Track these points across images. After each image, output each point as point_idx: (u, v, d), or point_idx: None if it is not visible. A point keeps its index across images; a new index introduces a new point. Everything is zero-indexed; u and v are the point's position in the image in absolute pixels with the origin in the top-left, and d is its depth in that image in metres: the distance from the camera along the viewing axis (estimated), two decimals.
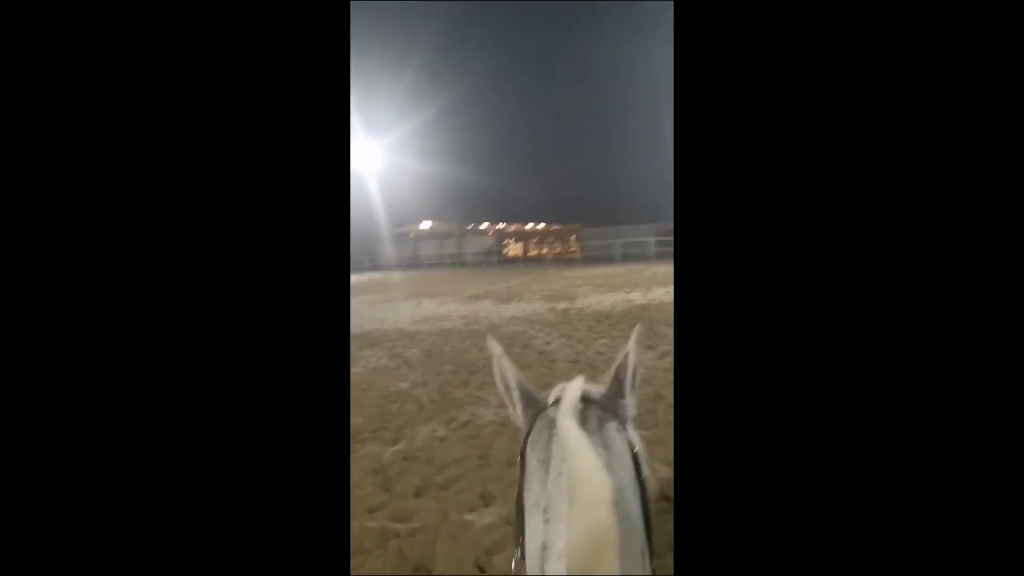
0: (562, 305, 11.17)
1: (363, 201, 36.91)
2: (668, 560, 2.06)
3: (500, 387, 0.80)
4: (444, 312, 11.43)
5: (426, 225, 38.90)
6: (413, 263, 34.27)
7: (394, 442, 3.92)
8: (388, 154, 38.49)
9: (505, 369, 0.80)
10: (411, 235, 38.37)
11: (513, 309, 11.20)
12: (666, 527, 2.29)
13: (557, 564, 0.54)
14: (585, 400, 0.67)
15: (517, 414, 0.78)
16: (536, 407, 0.75)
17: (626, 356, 0.81)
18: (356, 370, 6.35)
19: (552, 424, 0.64)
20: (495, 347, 0.82)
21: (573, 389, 0.63)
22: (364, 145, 37.74)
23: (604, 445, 0.63)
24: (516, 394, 0.78)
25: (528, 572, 0.58)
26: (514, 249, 42.82)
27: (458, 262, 33.66)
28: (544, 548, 0.57)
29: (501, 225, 42.39)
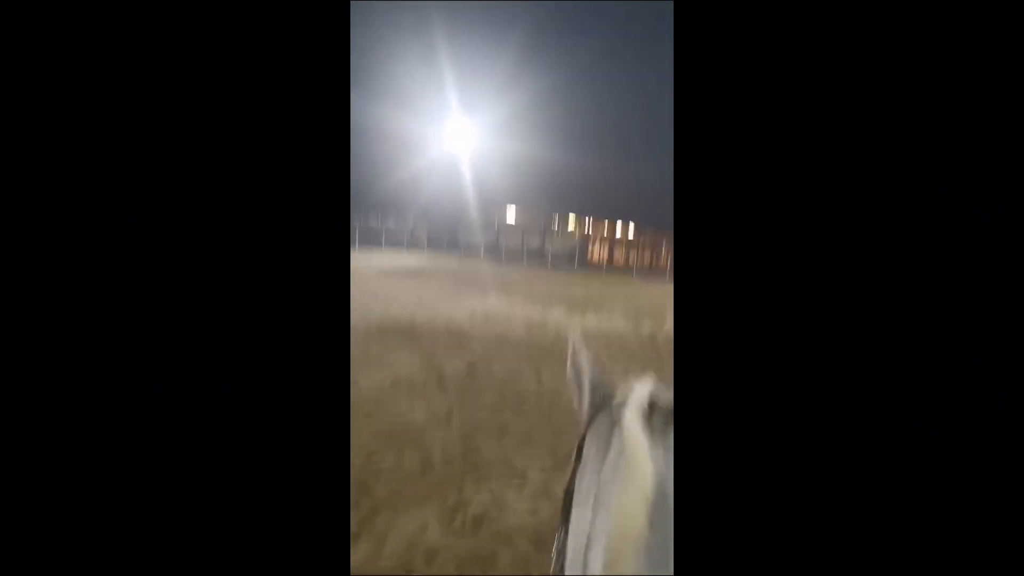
0: (647, 327, 9.32)
1: (452, 181, 36.34)
2: None
3: (571, 375, 0.76)
4: (508, 313, 9.93)
5: (512, 209, 37.76)
6: (493, 252, 33.25)
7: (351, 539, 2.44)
8: (483, 135, 37.50)
9: (580, 355, 0.76)
10: (495, 223, 37.49)
11: (589, 323, 9.50)
12: None
13: (597, 554, 0.52)
14: (653, 401, 0.63)
15: (583, 405, 0.74)
16: (604, 399, 0.71)
17: None
18: (372, 382, 4.96)
19: (615, 420, 0.62)
20: (574, 330, 0.94)
21: (643, 387, 0.64)
22: (459, 124, 37.05)
23: (666, 448, 0.58)
24: (587, 383, 0.74)
25: (569, 562, 0.58)
26: (599, 253, 40.71)
27: (539, 258, 32.25)
28: (589, 539, 0.55)
29: (588, 220, 40.41)
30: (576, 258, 31.60)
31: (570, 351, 0.77)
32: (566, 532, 0.61)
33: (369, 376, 5.05)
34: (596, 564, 0.52)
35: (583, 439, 0.69)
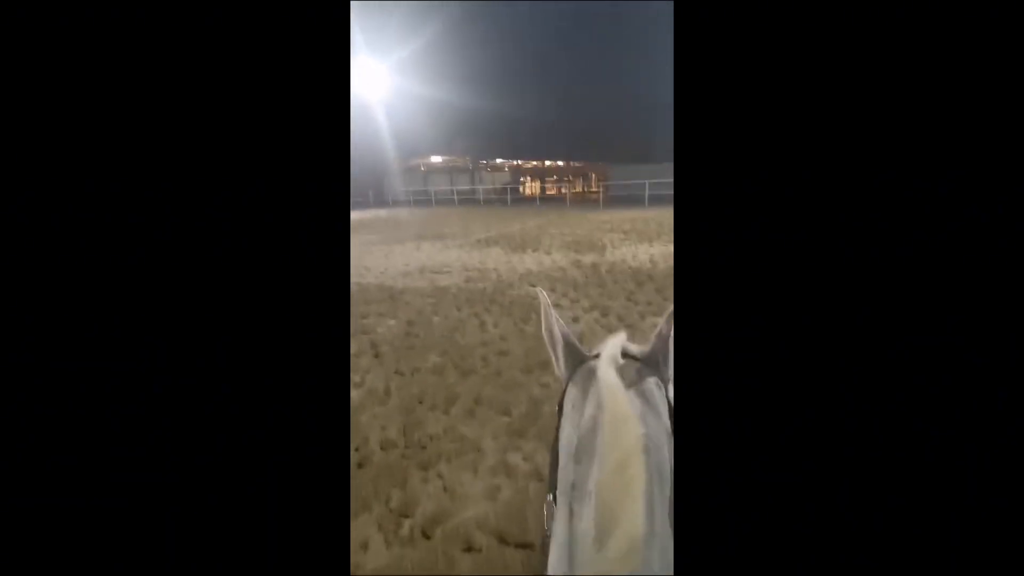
0: (589, 258, 9.00)
1: (369, 130, 34.04)
2: None
3: (546, 338, 0.78)
4: (444, 260, 9.34)
5: (437, 159, 36.15)
6: (422, 199, 31.88)
7: None
8: (394, 77, 35.02)
9: (552, 321, 0.77)
10: (421, 169, 35.80)
11: (529, 261, 9.07)
12: None
13: (586, 502, 0.54)
14: (626, 354, 0.66)
15: (560, 367, 0.75)
16: (578, 358, 0.74)
17: (670, 317, 0.74)
18: None
19: (591, 373, 0.65)
20: (544, 298, 0.79)
21: (615, 342, 0.65)
22: (367, 67, 34.35)
23: (641, 396, 0.63)
24: (560, 347, 0.76)
25: (558, 511, 0.59)
26: (531, 187, 39.94)
27: (470, 199, 31.22)
28: (574, 487, 0.57)
29: (517, 162, 39.44)
30: (509, 193, 30.82)
31: (543, 315, 0.77)
32: (555, 497, 0.62)
33: None
34: (587, 513, 0.53)
35: (562, 399, 0.70)
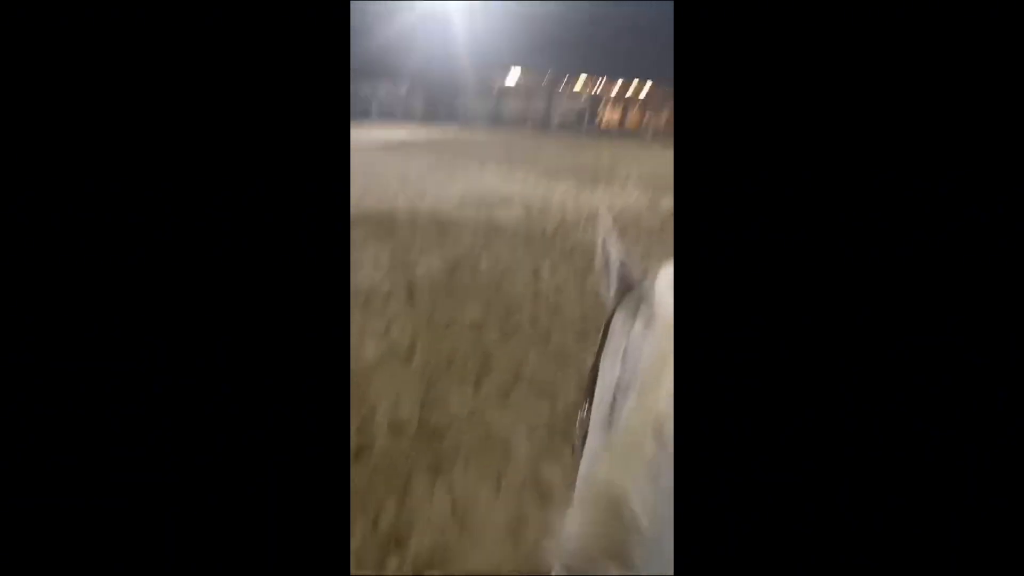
0: (667, 202, 7.97)
1: (446, 40, 32.39)
2: None
3: (600, 260, 0.76)
4: (507, 192, 8.57)
5: (514, 73, 34.19)
6: (495, 119, 30.55)
7: None
8: None
9: (610, 245, 0.75)
10: (495, 87, 34.13)
11: (599, 198, 8.16)
12: None
13: (629, 393, 0.56)
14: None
15: (609, 293, 0.74)
16: (629, 285, 0.72)
17: None
18: None
19: (642, 297, 0.66)
20: (606, 218, 0.77)
21: (669, 268, 0.65)
22: None
23: None
24: (615, 275, 0.74)
25: (596, 407, 0.60)
26: (611, 115, 37.43)
27: (544, 123, 29.60)
28: (618, 383, 0.58)
29: (599, 85, 36.73)
30: (585, 122, 28.91)
31: (600, 238, 0.77)
32: (590, 406, 0.63)
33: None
34: (629, 405, 0.55)
35: (608, 321, 0.70)
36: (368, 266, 4.55)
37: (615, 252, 0.75)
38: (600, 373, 0.64)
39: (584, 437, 0.62)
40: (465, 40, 31.84)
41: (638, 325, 0.62)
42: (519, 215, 6.89)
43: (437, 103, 31.85)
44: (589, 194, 8.69)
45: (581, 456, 0.61)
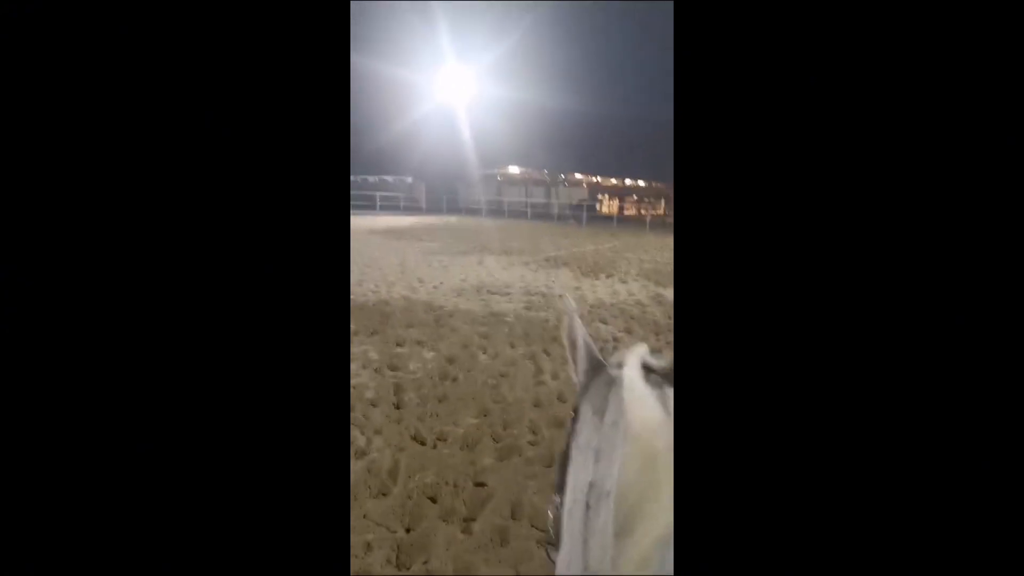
0: (671, 291, 7.70)
1: (450, 136, 34.01)
2: None
3: (566, 343, 0.77)
4: (506, 280, 8.34)
5: (515, 170, 35.49)
6: (495, 209, 31.29)
7: None
8: (479, 82, 34.86)
9: (575, 327, 0.76)
10: (498, 178, 35.31)
11: (602, 289, 7.90)
12: None
13: (604, 501, 0.55)
14: (646, 367, 0.66)
15: (578, 372, 0.75)
16: (597, 367, 0.73)
17: None
18: None
19: (612, 381, 0.66)
20: (569, 304, 0.79)
21: (638, 352, 0.67)
22: (454, 72, 34.42)
23: (662, 404, 0.60)
24: (582, 353, 0.75)
25: (568, 508, 0.60)
26: (609, 206, 38.45)
27: (544, 214, 30.28)
28: (591, 486, 0.57)
29: (597, 178, 38.11)
30: (586, 210, 29.63)
31: (565, 319, 0.78)
32: (563, 496, 0.62)
33: None
34: (604, 511, 0.53)
35: (578, 404, 0.70)
36: (355, 364, 4.16)
37: (580, 339, 0.75)
38: (572, 466, 0.62)
39: (558, 537, 0.61)
40: (468, 135, 33.42)
41: (608, 419, 0.61)
42: (519, 304, 6.58)
43: (440, 193, 32.83)
44: (591, 282, 8.45)
45: (556, 563, 0.60)
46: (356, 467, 2.65)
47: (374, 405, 3.41)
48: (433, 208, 31.88)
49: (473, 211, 30.51)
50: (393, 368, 4.12)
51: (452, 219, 24.79)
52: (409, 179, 34.99)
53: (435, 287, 7.52)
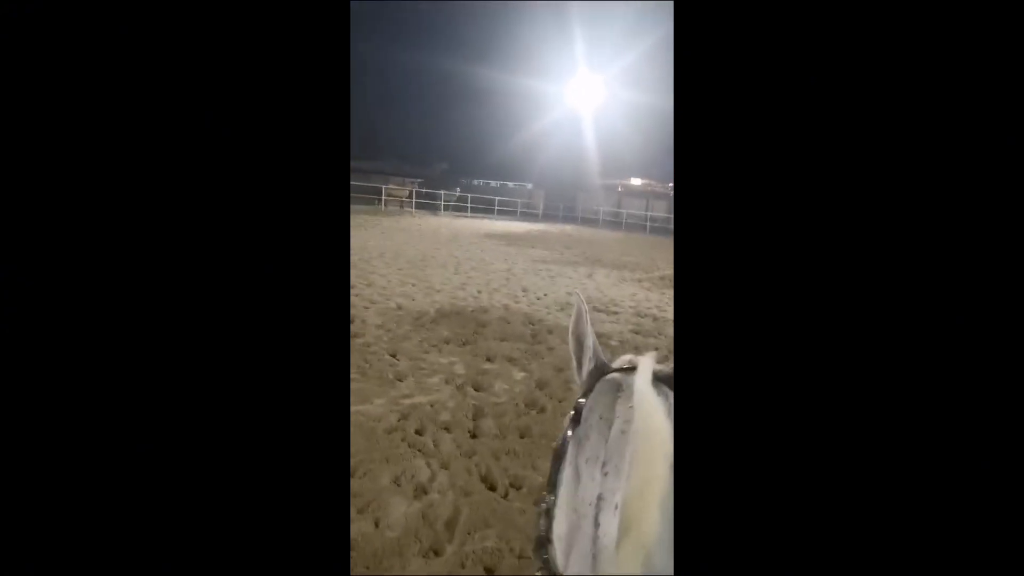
0: None
1: (575, 143, 33.69)
2: None
3: (572, 342, 0.77)
4: (614, 297, 7.71)
5: (636, 182, 34.27)
6: (613, 220, 30.41)
7: None
8: (609, 88, 34.12)
9: (583, 325, 0.76)
10: (619, 189, 34.34)
11: None
12: None
13: (612, 515, 0.55)
14: (656, 374, 0.66)
15: (582, 372, 0.75)
16: (603, 369, 0.74)
17: None
18: (368, 412, 3.15)
19: (618, 386, 0.67)
20: (580, 301, 0.78)
21: (648, 361, 0.66)
22: (584, 79, 34.03)
23: (668, 414, 0.61)
24: (588, 356, 0.75)
25: (569, 521, 0.60)
26: None
27: (664, 228, 28.82)
28: (600, 499, 0.58)
29: None
30: None
31: (573, 316, 0.76)
32: (556, 495, 0.63)
33: (370, 401, 3.27)
34: (611, 525, 0.54)
35: (581, 406, 0.69)
36: (437, 378, 3.85)
37: (590, 338, 0.73)
38: (579, 481, 0.61)
39: (548, 542, 0.61)
40: (593, 144, 32.85)
41: (616, 428, 0.60)
42: (626, 326, 5.95)
43: (558, 202, 32.58)
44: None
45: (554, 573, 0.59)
46: (412, 510, 2.27)
47: (448, 431, 3.04)
48: (550, 216, 31.75)
49: (590, 221, 29.88)
50: (477, 387, 3.75)
51: (568, 228, 24.39)
52: (529, 186, 35.20)
53: (538, 298, 7.12)
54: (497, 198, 29.73)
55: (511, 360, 4.42)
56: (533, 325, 5.65)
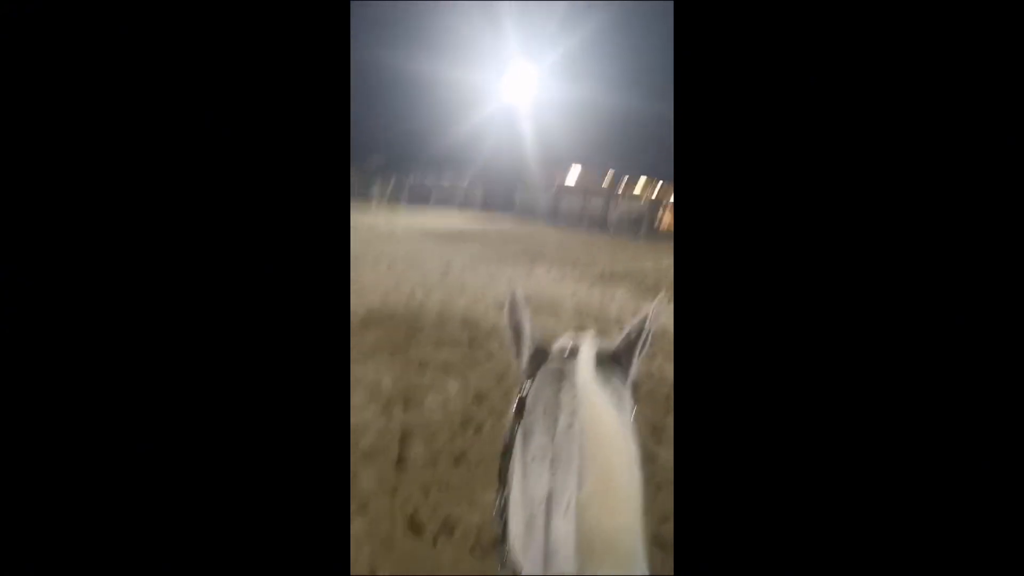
0: None
1: (511, 135, 33.39)
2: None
3: (509, 331, 0.74)
4: (554, 296, 7.46)
5: (575, 171, 34.45)
6: (552, 215, 30.41)
7: None
8: (544, 80, 34.14)
9: (519, 311, 0.73)
10: (556, 182, 34.45)
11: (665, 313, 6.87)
12: None
13: (564, 514, 0.54)
14: (598, 356, 0.64)
15: (521, 361, 0.73)
16: (542, 357, 0.71)
17: (644, 319, 0.75)
18: None
19: (560, 376, 0.63)
20: (518, 289, 0.75)
21: (589, 346, 0.62)
22: (520, 69, 33.88)
23: (615, 400, 0.60)
24: (526, 344, 0.72)
25: (522, 519, 0.58)
26: (670, 219, 36.76)
27: (600, 225, 29.12)
28: (549, 498, 0.56)
29: (658, 187, 36.55)
30: (643, 226, 28.23)
31: (508, 303, 0.73)
32: (505, 493, 0.61)
33: None
34: (565, 524, 0.52)
35: (522, 397, 0.66)
36: (360, 395, 3.41)
37: (527, 325, 0.70)
38: (526, 478, 0.58)
39: (505, 535, 0.59)
40: (531, 135, 32.73)
41: (561, 423, 0.58)
42: (568, 324, 5.70)
43: (496, 195, 32.26)
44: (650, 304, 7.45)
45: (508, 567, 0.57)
46: None
47: (369, 459, 2.63)
48: (488, 211, 31.38)
49: (527, 214, 29.73)
50: (407, 404, 3.35)
51: (506, 224, 24.12)
52: (465, 183, 34.73)
53: (476, 299, 6.75)
54: (433, 195, 28.99)
55: (446, 369, 4.04)
56: (471, 328, 5.29)
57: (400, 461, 2.66)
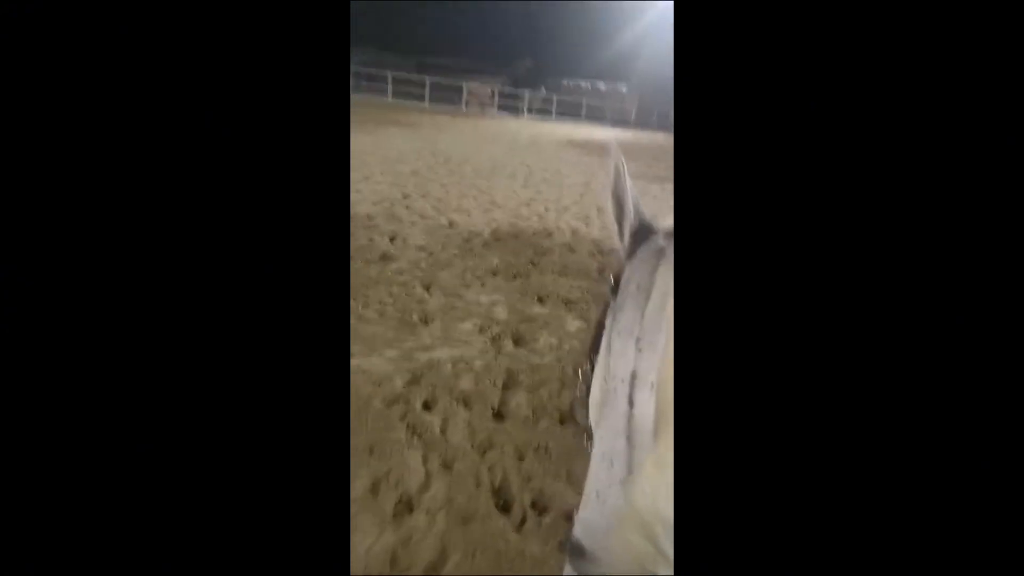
0: None
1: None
2: None
3: (612, 205, 0.67)
4: None
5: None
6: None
7: None
8: None
9: (622, 182, 0.66)
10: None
11: None
12: None
13: (647, 394, 0.53)
14: None
15: (623, 234, 0.67)
16: (647, 231, 0.65)
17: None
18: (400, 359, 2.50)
19: (660, 254, 0.60)
20: (615, 153, 0.67)
21: None
22: None
23: None
24: (629, 219, 0.66)
25: (603, 397, 0.57)
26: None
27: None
28: (634, 376, 0.55)
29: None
30: None
31: (612, 174, 0.67)
32: (593, 363, 0.61)
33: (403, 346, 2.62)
34: (647, 404, 0.52)
35: (620, 271, 0.65)
36: (470, 322, 3.11)
37: (630, 200, 0.64)
38: (612, 353, 0.57)
39: (586, 393, 0.60)
40: None
41: (654, 301, 0.56)
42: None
43: (653, 107, 29.63)
44: None
45: (592, 455, 0.56)
46: (380, 545, 1.61)
47: (466, 405, 2.34)
48: (643, 123, 29.07)
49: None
50: (517, 341, 2.99)
51: (659, 136, 22.10)
52: (624, 88, 32.27)
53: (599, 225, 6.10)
54: (584, 101, 27.39)
55: (568, 302, 3.60)
56: (602, 256, 4.73)
57: (499, 414, 2.33)
